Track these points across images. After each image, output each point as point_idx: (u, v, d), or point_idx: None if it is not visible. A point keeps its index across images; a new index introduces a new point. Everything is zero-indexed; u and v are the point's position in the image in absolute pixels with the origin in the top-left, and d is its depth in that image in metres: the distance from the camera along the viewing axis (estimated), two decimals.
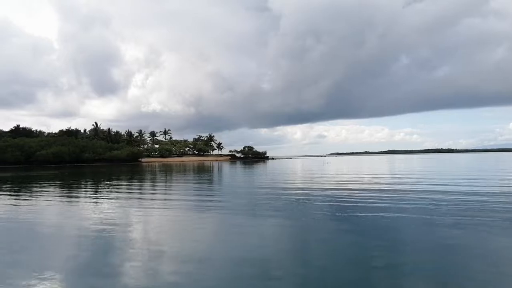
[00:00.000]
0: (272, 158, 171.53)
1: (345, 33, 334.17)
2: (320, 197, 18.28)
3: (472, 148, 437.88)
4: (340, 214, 13.14)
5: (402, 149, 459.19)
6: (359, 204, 15.47)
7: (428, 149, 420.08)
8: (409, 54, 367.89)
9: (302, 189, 23.33)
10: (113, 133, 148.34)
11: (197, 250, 8.65)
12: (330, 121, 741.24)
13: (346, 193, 20.03)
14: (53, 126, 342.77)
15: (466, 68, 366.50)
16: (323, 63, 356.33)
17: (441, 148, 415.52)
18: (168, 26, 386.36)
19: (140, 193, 23.06)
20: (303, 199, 17.85)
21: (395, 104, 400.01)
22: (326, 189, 22.26)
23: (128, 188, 25.70)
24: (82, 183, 32.92)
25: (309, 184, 26.46)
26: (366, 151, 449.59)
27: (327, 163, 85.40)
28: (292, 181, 30.91)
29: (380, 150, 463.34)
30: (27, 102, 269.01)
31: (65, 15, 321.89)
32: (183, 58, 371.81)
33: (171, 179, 37.24)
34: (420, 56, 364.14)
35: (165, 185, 29.23)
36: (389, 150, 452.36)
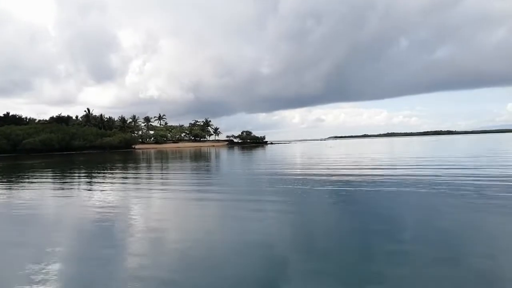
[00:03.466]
0: (271, 143, 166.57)
1: (345, 14, 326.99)
2: (329, 182, 16.84)
3: (471, 130, 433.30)
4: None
5: (401, 132, 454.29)
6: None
7: (427, 131, 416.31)
8: (409, 36, 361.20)
9: (309, 174, 20.09)
10: (105, 119, 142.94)
11: (199, 235, 8.23)
12: (329, 105, 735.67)
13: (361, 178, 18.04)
14: (50, 114, 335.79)
15: (466, 49, 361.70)
16: (322, 45, 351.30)
17: (440, 130, 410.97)
18: (165, 11, 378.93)
19: (136, 185, 17.98)
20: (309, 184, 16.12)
21: (394, 86, 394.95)
22: (336, 174, 20.05)
23: (107, 183, 20.84)
24: (59, 174, 27.98)
25: (324, 171, 21.83)
26: (365, 134, 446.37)
27: (330, 147, 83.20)
28: (298, 167, 26.16)
29: (379, 133, 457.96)
30: (24, 89, 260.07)
31: (61, 1, 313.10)
32: (181, 43, 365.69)
33: (168, 167, 32.61)
34: (419, 37, 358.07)
35: (161, 175, 25.08)
36: (388, 133, 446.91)
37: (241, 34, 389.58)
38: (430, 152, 42.92)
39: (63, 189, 18.22)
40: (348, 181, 16.93)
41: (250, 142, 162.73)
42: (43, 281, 5.62)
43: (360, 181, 16.48)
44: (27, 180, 23.17)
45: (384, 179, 17.28)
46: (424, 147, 61.23)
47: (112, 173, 27.45)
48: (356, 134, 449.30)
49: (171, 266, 6.25)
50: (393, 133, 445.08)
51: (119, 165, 39.32)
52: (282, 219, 9.51)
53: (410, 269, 5.73)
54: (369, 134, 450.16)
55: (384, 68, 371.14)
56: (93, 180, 22.67)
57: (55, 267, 6.25)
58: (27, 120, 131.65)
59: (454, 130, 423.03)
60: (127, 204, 12.70)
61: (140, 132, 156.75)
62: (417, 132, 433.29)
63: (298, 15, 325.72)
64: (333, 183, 16.48)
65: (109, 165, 39.59)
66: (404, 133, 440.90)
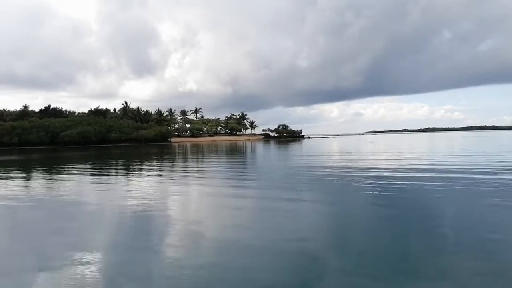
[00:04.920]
0: (308, 137, 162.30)
1: (386, 6, 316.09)
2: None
3: None
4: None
5: (443, 127, 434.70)
6: None
7: (471, 127, 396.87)
8: (452, 28, 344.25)
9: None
10: (142, 112, 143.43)
11: (233, 232, 8.06)
12: (368, 99, 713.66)
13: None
14: (92, 107, 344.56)
15: (511, 41, 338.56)
16: (362, 38, 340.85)
17: (485, 126, 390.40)
18: (204, 5, 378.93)
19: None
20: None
21: (436, 80, 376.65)
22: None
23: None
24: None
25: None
26: (404, 129, 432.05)
27: (370, 142, 79.58)
28: (338, 165, 22.25)
29: (419, 128, 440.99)
30: (68, 83, 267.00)
31: None
32: (219, 36, 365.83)
33: (203, 161, 31.00)
34: (463, 29, 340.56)
35: (197, 169, 24.29)
36: (428, 128, 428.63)
37: (279, 27, 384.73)
38: (482, 148, 38.64)
39: (101, 183, 17.93)
40: (394, 178, 15.86)
41: (287, 136, 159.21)
42: (85, 267, 5.85)
43: (406, 180, 15.19)
44: (66, 172, 23.44)
45: (441, 179, 15.34)
46: (477, 143, 55.77)
47: (148, 167, 26.99)
48: (395, 129, 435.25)
49: (206, 261, 6.17)
50: (434, 128, 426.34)
51: (155, 158, 38.58)
52: (318, 219, 9.26)
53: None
54: (408, 129, 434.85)
55: (426, 61, 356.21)
56: (130, 173, 22.75)
57: (95, 255, 6.50)
58: (67, 113, 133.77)
59: (499, 126, 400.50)
60: (164, 198, 12.78)
61: (176, 125, 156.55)
62: (460, 127, 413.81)
63: (336, 8, 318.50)
64: (379, 182, 14.90)
65: (145, 158, 38.65)
66: (446, 128, 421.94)
